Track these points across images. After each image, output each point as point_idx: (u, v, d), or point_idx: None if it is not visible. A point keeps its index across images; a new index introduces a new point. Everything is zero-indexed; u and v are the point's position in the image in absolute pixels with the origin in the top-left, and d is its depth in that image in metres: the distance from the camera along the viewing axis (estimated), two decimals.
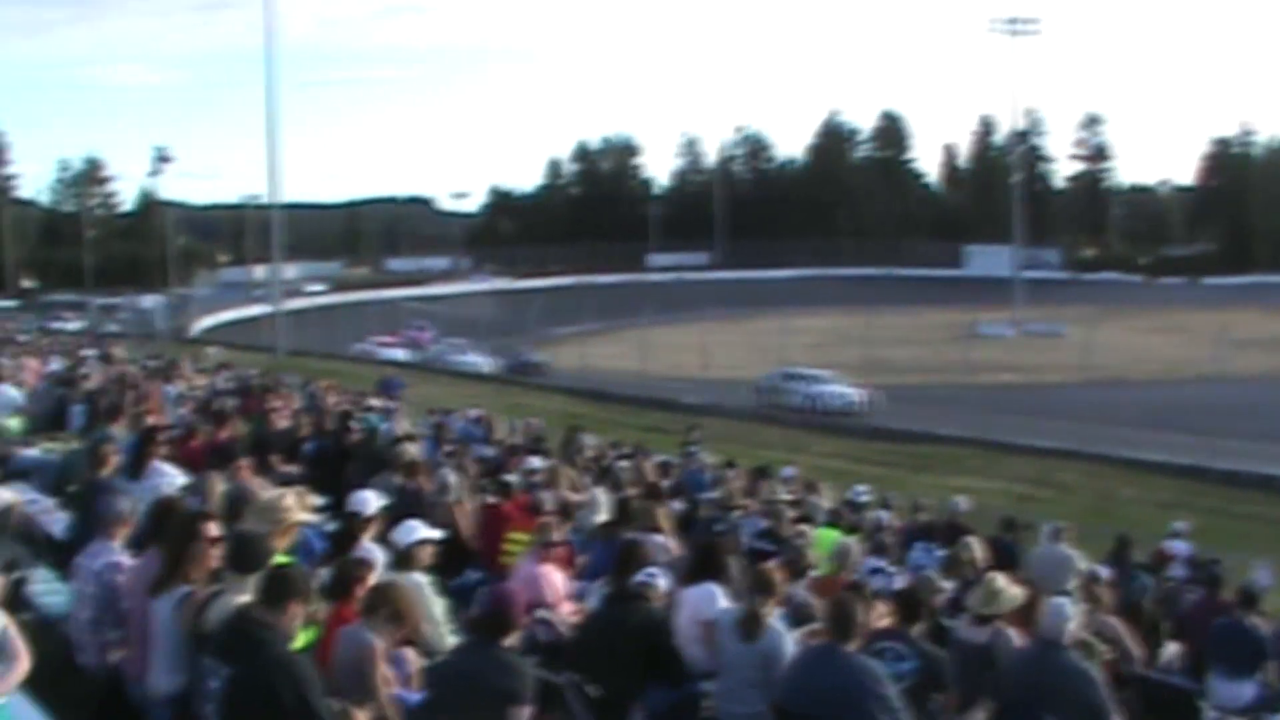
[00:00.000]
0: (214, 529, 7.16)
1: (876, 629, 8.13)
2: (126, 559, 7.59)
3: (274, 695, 5.48)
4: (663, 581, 8.29)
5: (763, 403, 43.82)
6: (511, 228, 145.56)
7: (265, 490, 9.41)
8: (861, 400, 43.33)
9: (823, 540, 12.87)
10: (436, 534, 8.70)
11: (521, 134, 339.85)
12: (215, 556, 7.00)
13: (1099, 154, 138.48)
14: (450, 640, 7.98)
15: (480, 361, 57.75)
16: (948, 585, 11.07)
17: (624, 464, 18.15)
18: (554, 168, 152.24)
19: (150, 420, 14.64)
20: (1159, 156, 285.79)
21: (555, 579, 9.73)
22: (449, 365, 56.24)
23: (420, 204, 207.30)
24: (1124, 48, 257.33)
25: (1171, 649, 11.50)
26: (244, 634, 5.72)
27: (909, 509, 18.24)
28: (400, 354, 61.19)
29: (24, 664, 5.98)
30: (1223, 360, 50.01)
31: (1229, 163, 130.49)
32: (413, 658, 7.42)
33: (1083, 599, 10.04)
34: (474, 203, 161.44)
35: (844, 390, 44.29)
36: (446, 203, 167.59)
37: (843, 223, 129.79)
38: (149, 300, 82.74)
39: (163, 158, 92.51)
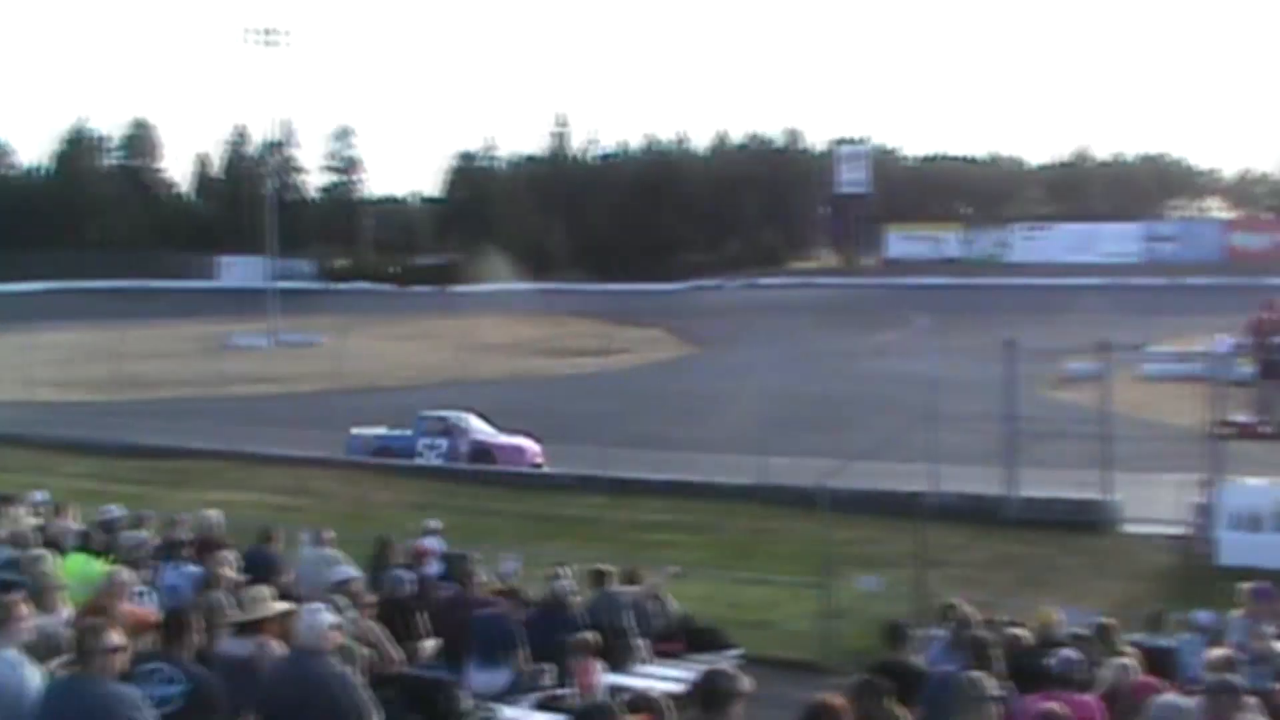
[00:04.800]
0: None
1: (143, 651, 7.81)
2: None
3: None
4: None
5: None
6: None
7: None
8: None
9: (71, 565, 12.17)
10: None
11: None
12: None
13: (350, 166, 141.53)
14: None
15: None
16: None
17: None
18: None
19: None
20: (409, 169, 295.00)
21: None
22: None
23: None
24: (374, 62, 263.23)
25: (430, 643, 11.86)
26: None
27: (164, 526, 17.64)
28: None
29: None
30: (468, 364, 52.85)
31: (473, 176, 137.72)
32: None
33: (345, 603, 10.12)
34: None
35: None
36: None
37: (92, 233, 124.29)
38: None
39: None
